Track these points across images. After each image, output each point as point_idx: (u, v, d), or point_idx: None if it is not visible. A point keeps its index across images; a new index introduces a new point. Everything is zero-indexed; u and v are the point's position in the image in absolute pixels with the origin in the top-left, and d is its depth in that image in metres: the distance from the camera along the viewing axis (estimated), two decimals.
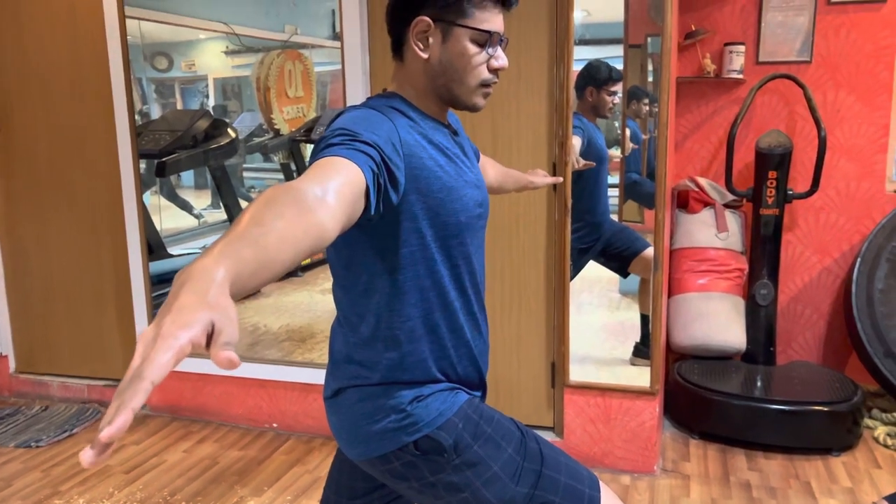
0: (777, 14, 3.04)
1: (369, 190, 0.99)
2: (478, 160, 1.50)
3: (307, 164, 1.04)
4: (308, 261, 4.28)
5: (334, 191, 0.91)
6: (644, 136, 2.75)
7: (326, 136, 1.06)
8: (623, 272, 2.82)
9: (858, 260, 2.95)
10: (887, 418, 2.86)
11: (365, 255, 1.19)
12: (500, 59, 1.22)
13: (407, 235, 1.17)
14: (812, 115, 2.94)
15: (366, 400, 1.25)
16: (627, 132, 2.81)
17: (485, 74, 1.21)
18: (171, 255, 4.07)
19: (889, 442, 2.75)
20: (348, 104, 2.86)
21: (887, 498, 2.04)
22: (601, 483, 1.29)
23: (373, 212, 1.01)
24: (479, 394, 1.35)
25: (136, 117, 3.36)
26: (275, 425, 3.06)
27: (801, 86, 2.96)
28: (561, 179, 1.96)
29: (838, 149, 3.07)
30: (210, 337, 0.63)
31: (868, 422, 2.88)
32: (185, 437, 3.00)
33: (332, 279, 1.28)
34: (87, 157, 3.27)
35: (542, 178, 1.84)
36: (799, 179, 3.09)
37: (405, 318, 1.22)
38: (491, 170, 1.65)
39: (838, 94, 3.05)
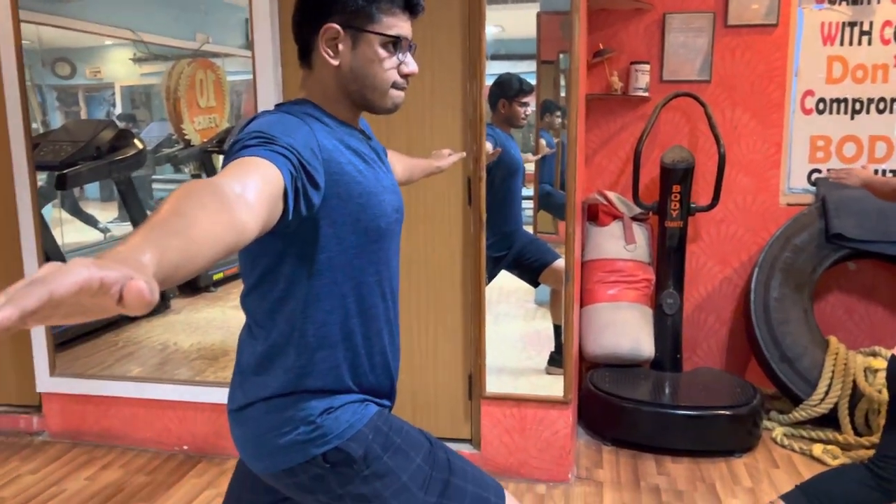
0: (679, 35, 3.19)
1: (287, 192, 0.98)
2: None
3: (221, 167, 1.01)
4: (221, 276, 4.17)
5: (254, 189, 0.89)
6: (556, 139, 2.82)
7: (241, 139, 1.04)
8: (534, 283, 2.88)
9: (756, 269, 3.11)
10: (784, 419, 3.03)
11: (283, 262, 1.17)
12: (411, 64, 1.24)
13: (326, 241, 1.16)
14: (712, 131, 3.09)
15: (273, 412, 1.23)
16: (542, 141, 2.88)
17: (396, 78, 1.23)
18: None
19: (786, 442, 2.91)
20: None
21: (783, 497, 2.15)
22: (506, 492, 1.32)
23: (290, 216, 1.00)
24: (388, 403, 1.35)
25: (37, 126, 3.19)
26: (185, 448, 2.95)
27: (702, 104, 3.11)
28: (464, 154, 1.97)
29: (736, 164, 3.24)
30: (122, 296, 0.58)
31: (767, 423, 3.04)
32: (88, 464, 2.85)
33: (243, 289, 1.25)
34: None
35: (447, 159, 1.86)
36: (701, 193, 3.23)
37: (320, 323, 1.20)
38: (398, 165, 1.65)
39: (735, 112, 3.21)
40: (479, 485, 1.28)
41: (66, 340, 3.24)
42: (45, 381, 3.03)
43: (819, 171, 3.20)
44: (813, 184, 3.20)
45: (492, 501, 1.28)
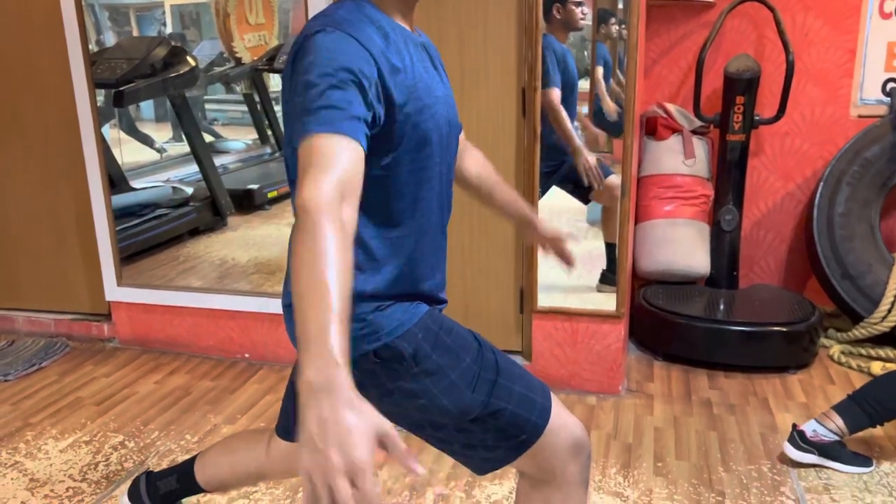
0: None
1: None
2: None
3: (297, 116, 1.04)
4: (275, 194, 4.23)
5: (349, 195, 0.97)
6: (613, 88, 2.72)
7: (316, 86, 1.02)
8: (585, 199, 2.83)
9: (821, 184, 2.99)
10: (842, 337, 2.97)
11: None
12: None
13: (379, 153, 1.15)
14: (781, 38, 2.93)
15: None
16: (599, 70, 2.76)
17: None
18: (134, 189, 3.98)
19: (843, 359, 2.87)
20: None
21: (835, 407, 2.14)
22: (552, 393, 1.33)
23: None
24: (439, 307, 1.36)
25: (92, 46, 3.21)
26: (247, 356, 3.08)
27: (771, 9, 2.94)
28: (569, 261, 1.59)
29: (805, 73, 3.07)
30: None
31: (824, 341, 2.99)
32: (156, 369, 3.00)
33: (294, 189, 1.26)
34: (38, 87, 3.14)
35: (547, 231, 1.56)
36: (766, 105, 3.09)
37: (372, 235, 1.21)
38: (473, 163, 1.60)
39: (807, 18, 3.03)
40: (526, 386, 1.30)
41: (130, 254, 3.36)
42: (114, 291, 3.17)
43: None
44: (888, 94, 3.02)
45: (538, 402, 1.29)
